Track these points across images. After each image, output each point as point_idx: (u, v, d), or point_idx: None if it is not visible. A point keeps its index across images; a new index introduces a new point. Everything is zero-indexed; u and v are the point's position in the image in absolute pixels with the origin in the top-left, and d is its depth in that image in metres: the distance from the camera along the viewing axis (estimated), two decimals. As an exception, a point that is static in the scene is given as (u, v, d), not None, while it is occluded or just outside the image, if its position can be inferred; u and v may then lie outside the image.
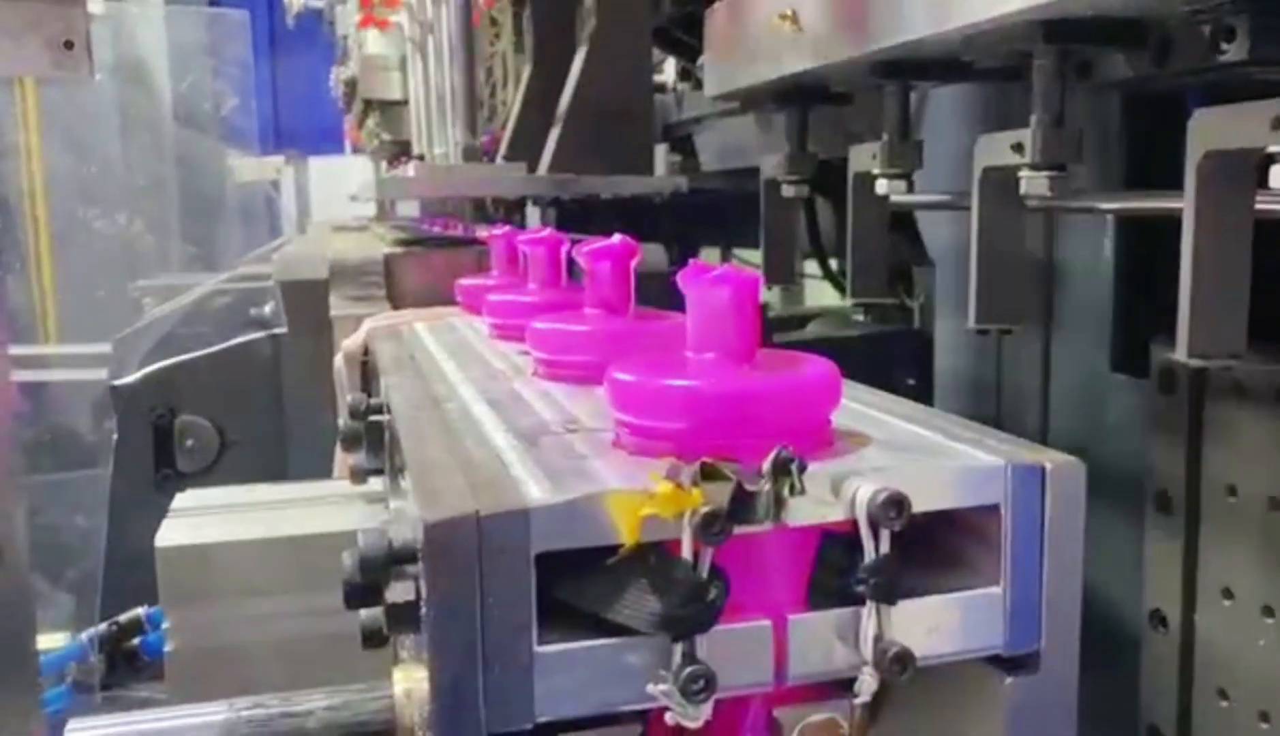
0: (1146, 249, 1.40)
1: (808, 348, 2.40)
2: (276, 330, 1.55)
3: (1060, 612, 0.60)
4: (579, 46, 1.97)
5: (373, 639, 0.60)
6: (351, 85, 4.08)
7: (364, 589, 0.56)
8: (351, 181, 4.78)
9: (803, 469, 0.52)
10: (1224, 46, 0.93)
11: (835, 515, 0.56)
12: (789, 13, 1.16)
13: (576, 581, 0.54)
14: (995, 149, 0.98)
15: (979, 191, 1.01)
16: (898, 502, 0.54)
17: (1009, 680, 0.60)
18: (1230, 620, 1.20)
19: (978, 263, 1.02)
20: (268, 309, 1.80)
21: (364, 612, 0.60)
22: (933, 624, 0.58)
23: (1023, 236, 1.04)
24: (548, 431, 0.67)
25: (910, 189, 1.20)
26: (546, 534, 0.52)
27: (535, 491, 0.54)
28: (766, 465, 0.51)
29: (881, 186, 1.19)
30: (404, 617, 0.57)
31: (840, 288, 3.07)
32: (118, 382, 1.49)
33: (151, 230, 5.46)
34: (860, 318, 3.12)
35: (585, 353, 0.81)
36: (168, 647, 0.87)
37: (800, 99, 1.37)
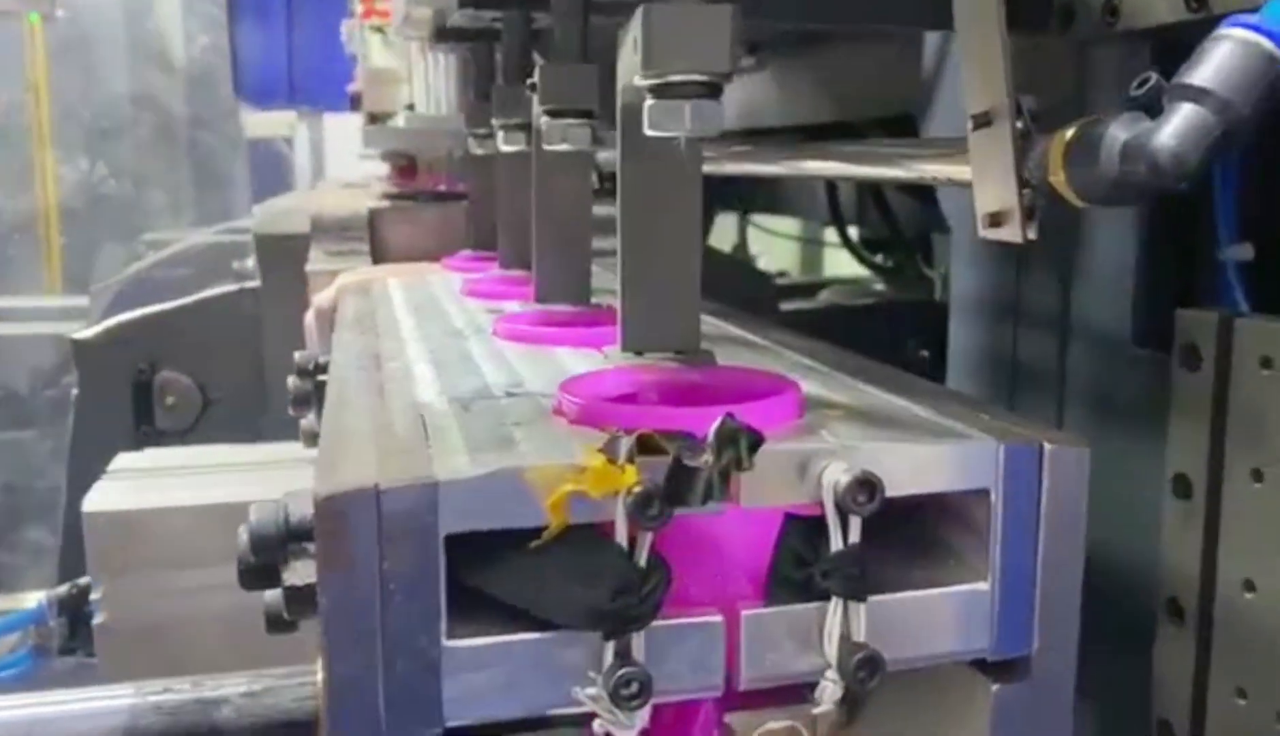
0: (1175, 212, 1.31)
1: (818, 317, 2.32)
2: (248, 284, 1.48)
3: (1056, 613, 0.53)
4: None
5: (277, 623, 0.53)
6: (357, 99, 3.96)
7: (259, 569, 0.49)
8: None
9: (754, 443, 0.44)
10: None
11: (799, 497, 0.48)
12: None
13: (493, 567, 0.47)
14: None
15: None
16: (868, 485, 0.47)
17: (996, 687, 0.52)
18: (1251, 613, 1.12)
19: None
20: (250, 262, 1.74)
21: (268, 594, 0.53)
22: (909, 623, 0.51)
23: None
24: (486, 395, 0.60)
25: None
26: (458, 512, 0.45)
27: (449, 463, 0.47)
28: (710, 436, 0.44)
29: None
30: (305, 602, 0.50)
31: (859, 257, 2.98)
32: (79, 336, 1.42)
33: (162, 182, 5.36)
34: (879, 287, 3.03)
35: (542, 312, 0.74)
36: (97, 620, 0.80)
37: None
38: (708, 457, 0.44)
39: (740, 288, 1.62)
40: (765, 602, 0.50)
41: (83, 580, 1.25)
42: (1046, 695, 0.53)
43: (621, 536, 0.45)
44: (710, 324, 0.89)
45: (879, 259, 3.00)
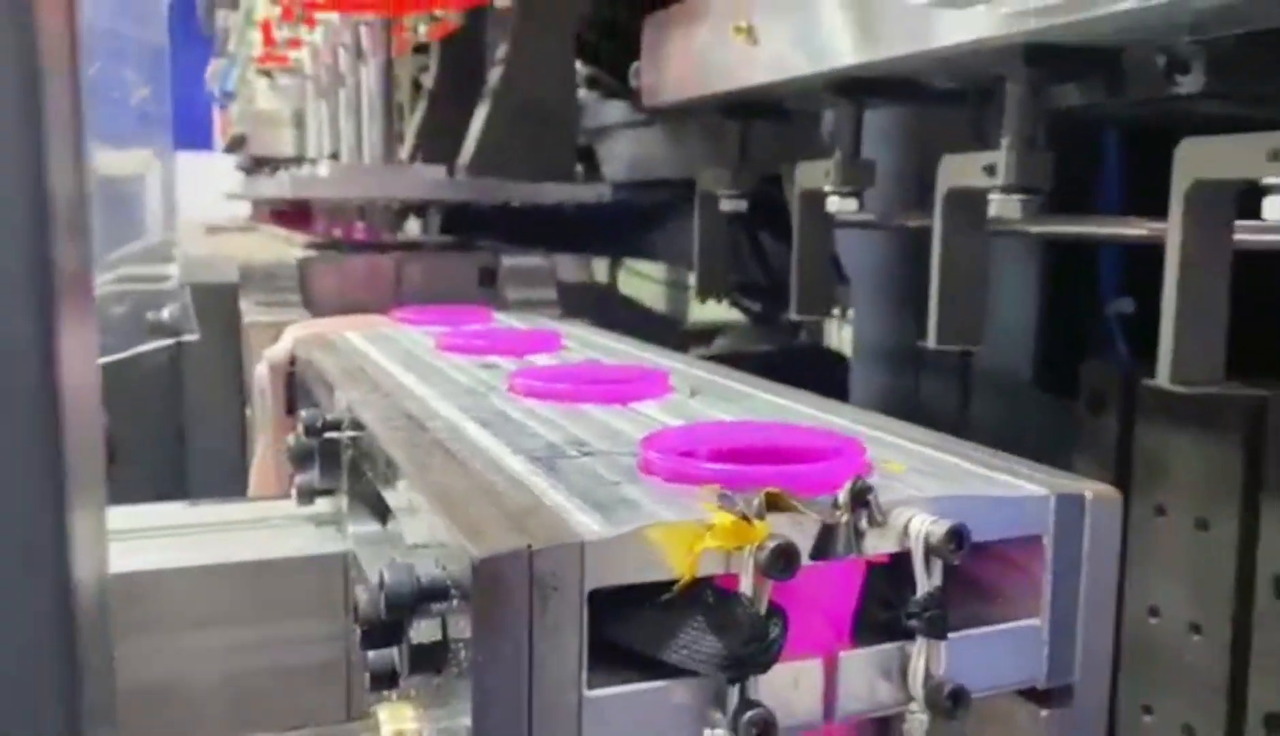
0: (1073, 266, 1.43)
1: (720, 362, 2.39)
2: (185, 337, 1.45)
3: (1095, 645, 0.59)
4: (495, 45, 1.92)
5: (383, 680, 0.55)
6: (239, 141, 3.89)
7: (386, 628, 0.52)
8: (222, 180, 4.58)
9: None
10: (1179, 79, 0.95)
11: (887, 546, 0.54)
12: (744, 25, 1.14)
13: (624, 619, 0.51)
14: (962, 170, 0.98)
15: (943, 212, 1.01)
16: (958, 535, 0.52)
17: (1045, 714, 0.59)
18: (1157, 638, 1.23)
19: (939, 283, 1.02)
20: (166, 313, 1.70)
21: (375, 653, 0.55)
22: (977, 657, 0.56)
23: (982, 258, 1.04)
24: (560, 454, 0.63)
25: (861, 207, 1.19)
26: (600, 569, 0.49)
27: (587, 522, 0.50)
28: (843, 496, 0.49)
29: (832, 204, 1.18)
30: (429, 659, 0.52)
31: (735, 303, 3.08)
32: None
33: None
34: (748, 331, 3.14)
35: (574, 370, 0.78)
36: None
37: (744, 112, 1.36)
38: (843, 514, 0.48)
39: (651, 335, 1.68)
40: (854, 644, 0.55)
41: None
42: (1087, 718, 0.59)
43: (747, 587, 0.49)
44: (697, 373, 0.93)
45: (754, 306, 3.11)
